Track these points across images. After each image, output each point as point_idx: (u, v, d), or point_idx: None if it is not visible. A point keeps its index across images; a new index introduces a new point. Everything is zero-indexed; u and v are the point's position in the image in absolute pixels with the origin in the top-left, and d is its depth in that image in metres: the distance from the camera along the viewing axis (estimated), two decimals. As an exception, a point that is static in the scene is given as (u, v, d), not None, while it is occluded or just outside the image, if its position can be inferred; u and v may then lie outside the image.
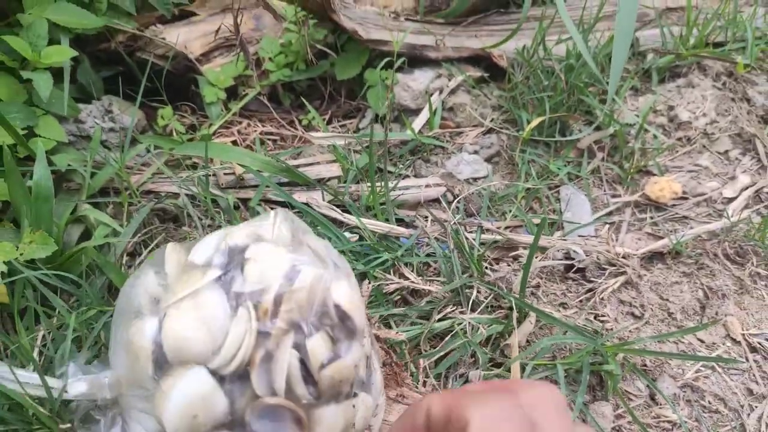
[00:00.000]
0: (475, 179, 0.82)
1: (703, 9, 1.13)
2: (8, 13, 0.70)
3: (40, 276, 0.56)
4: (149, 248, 0.67)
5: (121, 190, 0.68)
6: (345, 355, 0.37)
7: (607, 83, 0.84)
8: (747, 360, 0.65)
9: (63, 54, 0.67)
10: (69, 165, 0.66)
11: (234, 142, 0.81)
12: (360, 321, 0.39)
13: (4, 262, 0.52)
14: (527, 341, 0.62)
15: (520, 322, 0.61)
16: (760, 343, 0.66)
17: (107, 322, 0.55)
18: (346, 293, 0.38)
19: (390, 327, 0.60)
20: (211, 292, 0.37)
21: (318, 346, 0.36)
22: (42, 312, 0.55)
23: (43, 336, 0.56)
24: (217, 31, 0.82)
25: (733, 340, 0.67)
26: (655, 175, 0.84)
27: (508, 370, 0.58)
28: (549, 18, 0.90)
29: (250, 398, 0.36)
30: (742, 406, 0.61)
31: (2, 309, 0.60)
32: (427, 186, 0.77)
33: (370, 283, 0.63)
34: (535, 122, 0.81)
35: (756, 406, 0.61)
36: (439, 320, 0.61)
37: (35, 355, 0.55)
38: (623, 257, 0.71)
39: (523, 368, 0.58)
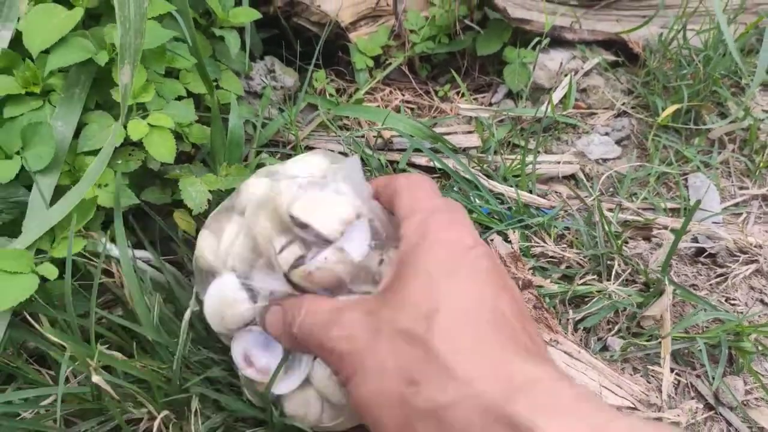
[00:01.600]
0: (605, 160, 0.85)
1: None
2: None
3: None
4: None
5: (292, 142, 0.75)
6: (308, 261, 0.42)
7: (746, 76, 0.85)
8: None
9: (249, 15, 0.74)
10: (246, 120, 0.73)
11: (378, 107, 0.87)
12: (326, 228, 0.42)
13: (210, 190, 0.60)
14: (660, 316, 0.66)
15: (655, 297, 0.65)
16: None
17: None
18: (301, 204, 0.43)
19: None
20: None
21: (285, 255, 0.43)
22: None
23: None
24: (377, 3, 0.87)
25: None
26: (784, 170, 0.85)
27: (647, 340, 0.62)
28: (688, 7, 0.91)
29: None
30: None
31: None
32: (560, 162, 0.81)
33: (515, 232, 0.68)
34: (671, 109, 0.84)
35: None
36: (581, 285, 0.66)
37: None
38: (756, 246, 0.73)
39: (658, 339, 0.62)
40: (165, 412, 0.52)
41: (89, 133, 0.58)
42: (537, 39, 0.86)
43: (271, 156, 0.72)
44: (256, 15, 0.74)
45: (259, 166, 0.71)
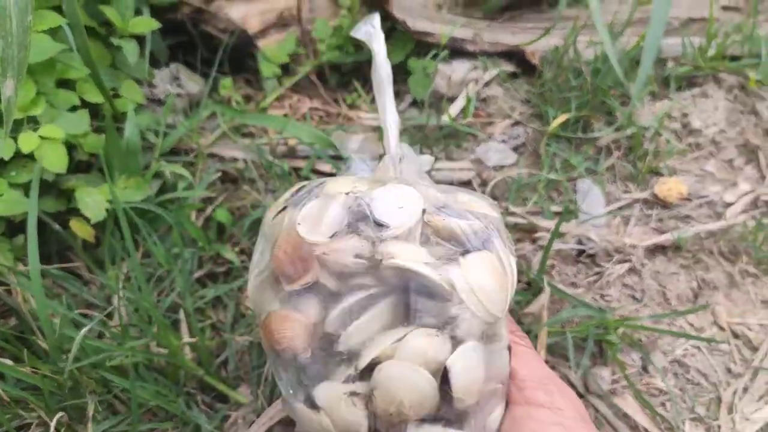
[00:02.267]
0: (502, 166, 0.90)
1: (725, 22, 1.20)
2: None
3: (139, 207, 0.64)
4: (213, 206, 0.75)
5: (195, 151, 0.77)
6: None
7: (631, 87, 0.92)
8: (729, 344, 0.74)
9: (149, 25, 0.74)
10: (147, 128, 0.74)
11: (285, 115, 0.89)
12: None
13: (107, 200, 0.61)
14: (539, 313, 0.71)
15: (535, 295, 0.70)
16: (741, 331, 0.76)
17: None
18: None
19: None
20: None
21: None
22: (128, 248, 0.63)
23: (127, 273, 0.65)
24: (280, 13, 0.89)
25: (719, 326, 0.76)
26: (664, 176, 0.93)
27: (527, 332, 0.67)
28: (581, 19, 0.97)
29: None
30: (720, 382, 0.71)
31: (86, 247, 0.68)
32: (459, 169, 0.86)
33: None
34: (561, 119, 0.89)
35: (732, 383, 0.70)
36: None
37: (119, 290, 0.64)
38: (630, 246, 0.80)
39: (535, 334, 0.67)
40: (60, 414, 0.53)
41: (-26, 145, 0.58)
42: (438, 51, 0.90)
43: (172, 164, 0.73)
44: (156, 25, 0.75)
45: (159, 175, 0.72)
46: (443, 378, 0.34)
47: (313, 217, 0.38)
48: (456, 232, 0.37)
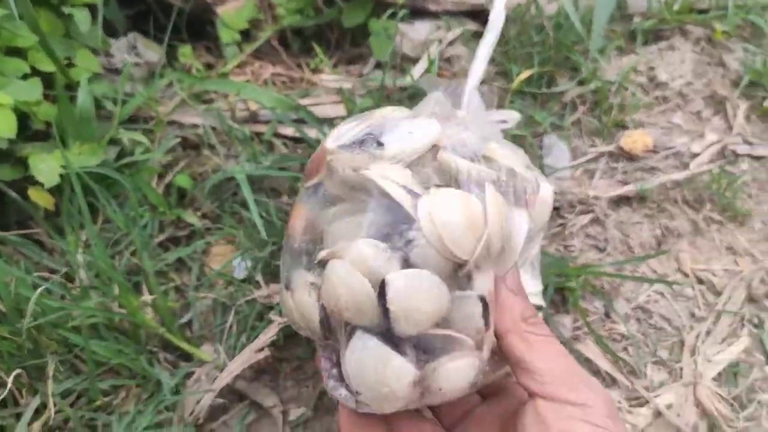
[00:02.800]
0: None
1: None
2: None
3: (95, 172, 0.64)
4: (174, 172, 0.75)
5: (154, 118, 0.76)
6: None
7: (587, 41, 0.92)
8: (693, 289, 0.75)
9: (99, -9, 0.73)
10: (104, 96, 0.74)
11: (247, 81, 0.89)
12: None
13: (60, 165, 0.61)
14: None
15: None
16: (706, 277, 0.76)
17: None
18: None
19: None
20: None
21: None
22: (82, 211, 0.63)
23: (87, 240, 0.65)
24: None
25: (683, 272, 0.77)
26: (630, 129, 0.93)
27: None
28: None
29: None
30: (683, 326, 0.72)
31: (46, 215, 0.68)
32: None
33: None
34: (523, 75, 0.89)
35: (694, 326, 0.71)
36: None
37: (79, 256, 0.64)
38: (594, 198, 0.80)
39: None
40: (17, 371, 0.53)
41: None
42: (396, 11, 0.89)
43: (130, 131, 0.73)
44: (106, -9, 0.74)
45: (115, 141, 0.72)
46: (383, 293, 0.34)
47: (344, 132, 0.40)
48: (453, 169, 0.37)
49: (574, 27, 0.93)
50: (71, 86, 0.72)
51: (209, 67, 0.91)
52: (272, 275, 0.69)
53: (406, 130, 0.38)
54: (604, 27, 1.02)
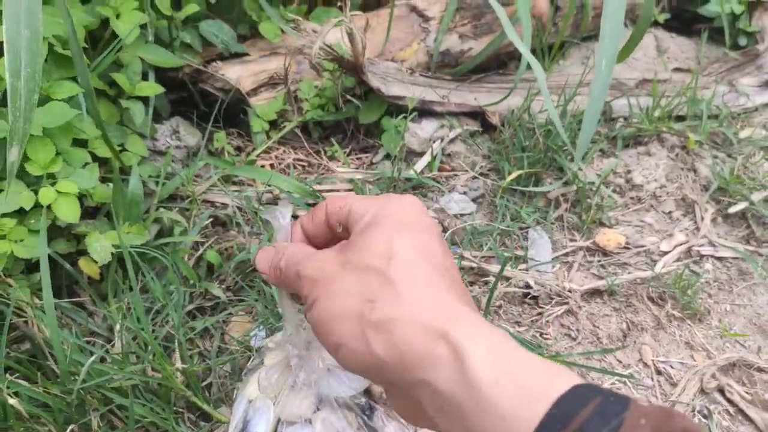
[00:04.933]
0: (462, 215, 1.01)
1: (676, 83, 1.33)
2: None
3: (140, 250, 0.75)
4: (205, 246, 0.86)
5: (190, 197, 0.88)
6: None
7: (571, 147, 1.04)
8: (652, 379, 0.85)
9: (154, 89, 0.86)
10: (149, 176, 0.85)
11: (272, 165, 1.01)
12: None
13: (113, 245, 0.72)
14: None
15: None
16: (664, 368, 0.86)
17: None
18: None
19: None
20: None
21: None
22: (132, 285, 0.74)
23: (128, 305, 0.76)
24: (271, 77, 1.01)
25: (645, 364, 0.87)
26: (606, 226, 1.04)
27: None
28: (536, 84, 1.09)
29: None
30: (641, 413, 0.81)
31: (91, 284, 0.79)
32: (423, 217, 0.97)
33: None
34: (513, 174, 1.01)
35: (651, 414, 0.81)
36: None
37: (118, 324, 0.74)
38: (569, 291, 0.91)
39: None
40: (70, 427, 0.63)
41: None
42: (407, 114, 1.02)
43: (170, 211, 0.84)
44: (160, 89, 0.87)
45: (158, 220, 0.83)
46: None
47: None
48: None
49: (560, 134, 1.06)
50: (122, 169, 0.83)
51: (239, 149, 1.03)
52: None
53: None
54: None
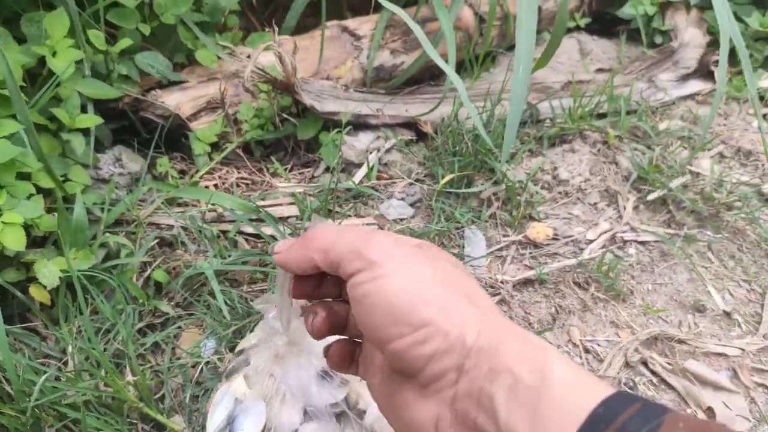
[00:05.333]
0: (401, 219, 1.07)
1: (599, 83, 1.42)
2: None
3: (88, 274, 0.79)
4: (153, 266, 0.90)
5: (136, 221, 0.92)
6: None
7: (496, 150, 1.11)
8: (581, 357, 0.92)
9: (93, 121, 0.90)
10: (94, 203, 0.89)
11: (216, 185, 1.05)
12: None
13: (61, 270, 0.75)
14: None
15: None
16: (592, 347, 0.93)
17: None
18: None
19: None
20: None
21: None
22: (81, 308, 0.78)
23: (79, 327, 0.79)
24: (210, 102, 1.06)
25: (573, 344, 0.94)
26: (536, 220, 1.12)
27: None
28: (468, 91, 1.17)
29: None
30: (571, 389, 0.88)
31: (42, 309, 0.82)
32: (364, 224, 1.03)
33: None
34: (446, 178, 1.08)
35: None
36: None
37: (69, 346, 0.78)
38: (501, 282, 0.98)
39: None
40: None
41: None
42: (341, 128, 1.08)
43: (115, 235, 0.88)
44: (99, 121, 0.91)
45: (103, 244, 0.87)
46: None
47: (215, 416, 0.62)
48: None
49: (490, 135, 1.13)
50: (66, 198, 0.87)
51: (183, 173, 1.07)
52: (233, 350, 0.83)
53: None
54: (520, 132, 1.23)
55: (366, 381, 0.41)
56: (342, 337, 0.44)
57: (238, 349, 0.66)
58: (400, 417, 0.36)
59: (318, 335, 0.42)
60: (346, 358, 0.43)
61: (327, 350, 0.44)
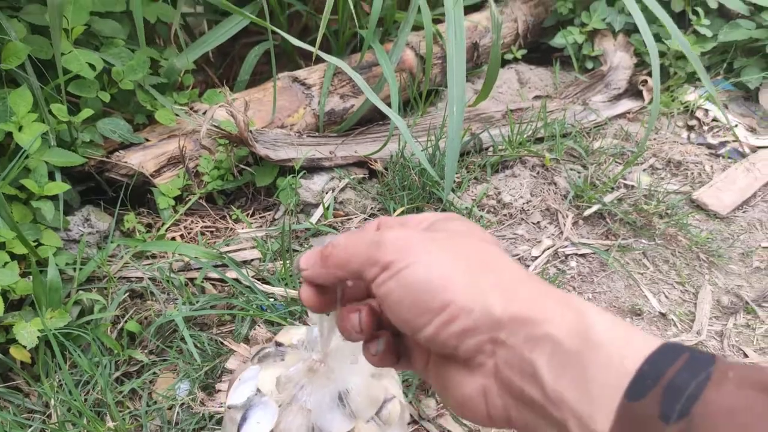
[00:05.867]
0: (358, 253, 1.15)
1: (538, 109, 1.53)
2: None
3: (64, 331, 0.85)
4: (125, 318, 0.96)
5: (107, 277, 0.98)
6: None
7: (440, 181, 1.20)
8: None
9: (61, 188, 0.97)
10: (66, 263, 0.95)
11: (182, 236, 1.12)
12: None
13: (38, 330, 0.81)
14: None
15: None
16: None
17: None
18: None
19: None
20: None
21: None
22: (60, 363, 0.84)
23: (59, 381, 0.85)
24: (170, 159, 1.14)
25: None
26: (484, 243, 1.21)
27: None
28: (413, 127, 1.26)
29: None
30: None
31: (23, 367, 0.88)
32: (322, 261, 1.10)
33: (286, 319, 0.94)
34: (398, 211, 1.17)
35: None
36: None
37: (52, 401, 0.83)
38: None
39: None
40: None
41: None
42: (298, 170, 1.16)
43: (88, 292, 0.94)
44: (67, 187, 0.98)
45: (79, 302, 0.93)
46: None
47: (237, 391, 0.66)
48: None
49: (436, 169, 1.22)
50: (39, 261, 0.93)
51: (150, 226, 1.14)
52: (205, 390, 0.89)
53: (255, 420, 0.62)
54: (465, 161, 1.33)
55: (415, 370, 0.43)
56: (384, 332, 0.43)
57: (277, 339, 0.69)
58: (452, 395, 0.38)
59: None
60: (392, 352, 0.42)
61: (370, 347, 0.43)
